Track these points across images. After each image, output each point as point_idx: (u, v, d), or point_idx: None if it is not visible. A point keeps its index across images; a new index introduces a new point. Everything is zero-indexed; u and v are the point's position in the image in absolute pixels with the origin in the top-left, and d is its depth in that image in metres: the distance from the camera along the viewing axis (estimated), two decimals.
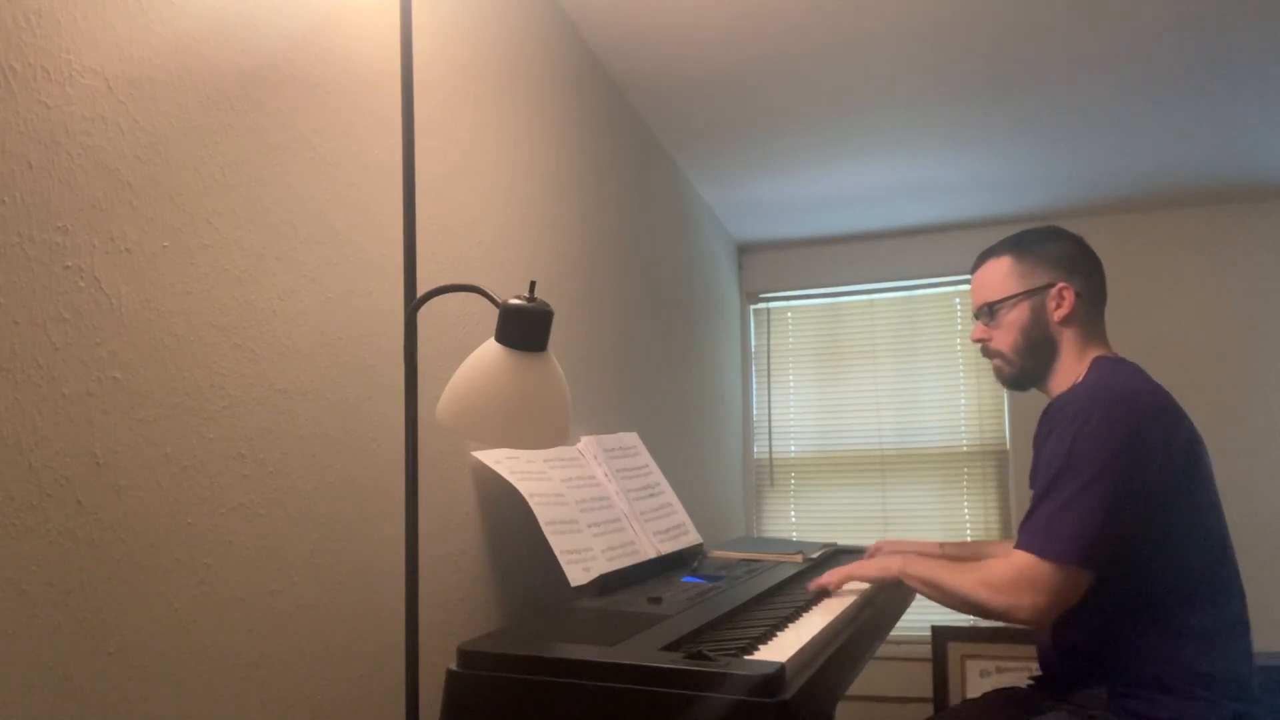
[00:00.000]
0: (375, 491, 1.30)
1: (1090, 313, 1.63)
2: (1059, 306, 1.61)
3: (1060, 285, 1.61)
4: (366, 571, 1.28)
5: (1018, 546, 1.42)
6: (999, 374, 1.70)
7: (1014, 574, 1.40)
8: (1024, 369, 1.65)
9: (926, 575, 1.53)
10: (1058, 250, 1.64)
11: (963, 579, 1.47)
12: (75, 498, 0.87)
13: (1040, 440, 1.52)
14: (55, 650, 0.85)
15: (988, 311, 1.68)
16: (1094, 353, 1.61)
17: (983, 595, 1.43)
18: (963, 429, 3.59)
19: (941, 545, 1.95)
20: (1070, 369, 1.61)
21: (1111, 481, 1.38)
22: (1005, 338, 1.65)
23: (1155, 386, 1.51)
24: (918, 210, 3.42)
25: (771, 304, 3.85)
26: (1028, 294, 1.63)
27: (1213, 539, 1.47)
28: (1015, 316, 1.64)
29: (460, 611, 1.49)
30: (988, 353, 1.71)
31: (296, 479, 1.16)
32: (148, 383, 0.96)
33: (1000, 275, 1.67)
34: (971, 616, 1.58)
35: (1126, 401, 1.44)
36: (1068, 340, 1.61)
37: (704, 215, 3.28)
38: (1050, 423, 1.49)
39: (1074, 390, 1.53)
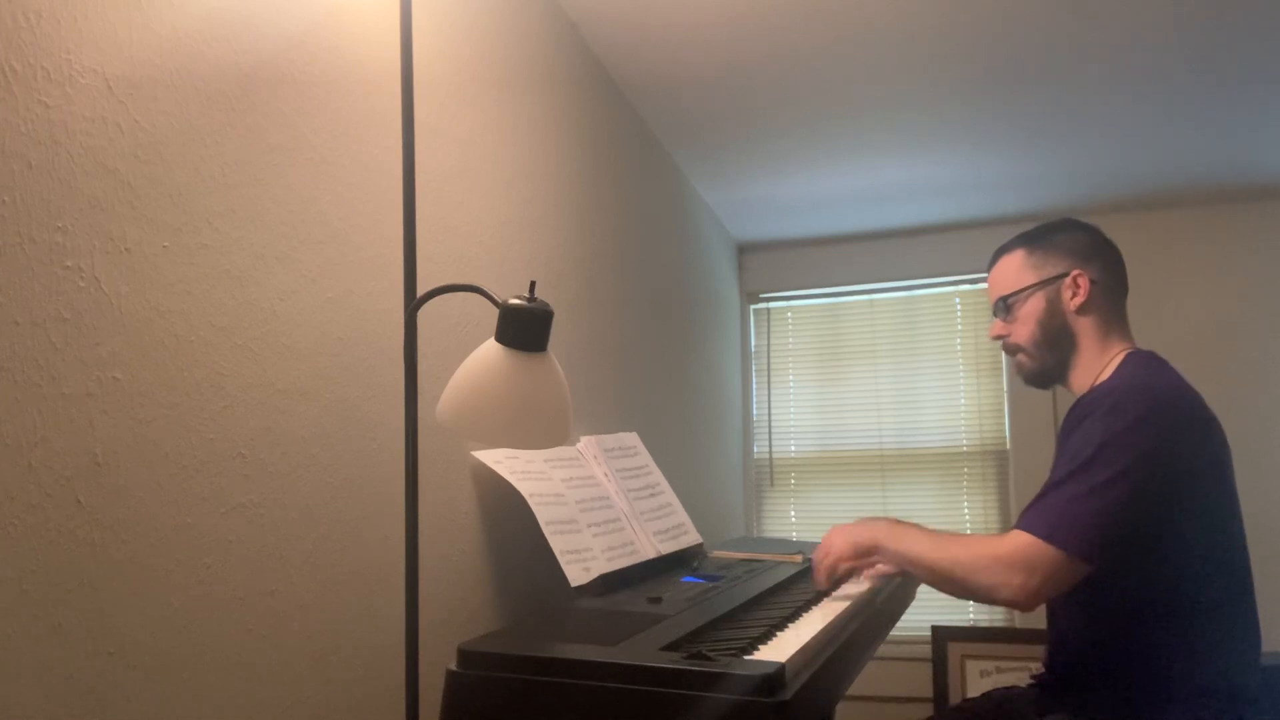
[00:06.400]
0: (375, 491, 1.30)
1: (1108, 301, 1.60)
2: (1075, 295, 1.58)
3: (1075, 273, 1.58)
4: (366, 571, 1.27)
5: (1021, 527, 1.37)
6: (1021, 370, 1.67)
7: (1009, 552, 1.35)
8: (1045, 363, 1.62)
9: (902, 549, 1.48)
10: (1070, 239, 1.62)
11: (941, 554, 1.42)
12: (75, 498, 0.87)
13: (1068, 432, 1.47)
14: (56, 650, 0.85)
15: (1004, 306, 1.65)
16: (1118, 345, 1.58)
17: (963, 570, 1.38)
18: (963, 429, 3.59)
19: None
20: (1092, 361, 1.58)
21: (1136, 481, 1.34)
22: (1023, 331, 1.63)
23: (1190, 388, 1.48)
24: (918, 210, 3.42)
25: (771, 304, 3.84)
26: (1042, 285, 1.61)
27: (1231, 549, 1.44)
28: (1031, 309, 1.61)
29: (460, 611, 1.49)
30: (1008, 348, 1.68)
31: (296, 479, 1.16)
32: (148, 383, 0.96)
33: (1014, 269, 1.65)
34: (948, 594, 1.49)
35: (1164, 402, 1.41)
36: (1086, 330, 1.58)
37: (704, 215, 3.27)
38: (1082, 413, 1.44)
39: (1109, 383, 1.49)
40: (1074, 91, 2.45)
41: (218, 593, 1.03)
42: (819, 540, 1.66)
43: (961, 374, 3.62)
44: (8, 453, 0.81)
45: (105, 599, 0.90)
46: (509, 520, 1.62)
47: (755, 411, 3.81)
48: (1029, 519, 1.38)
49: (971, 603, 3.17)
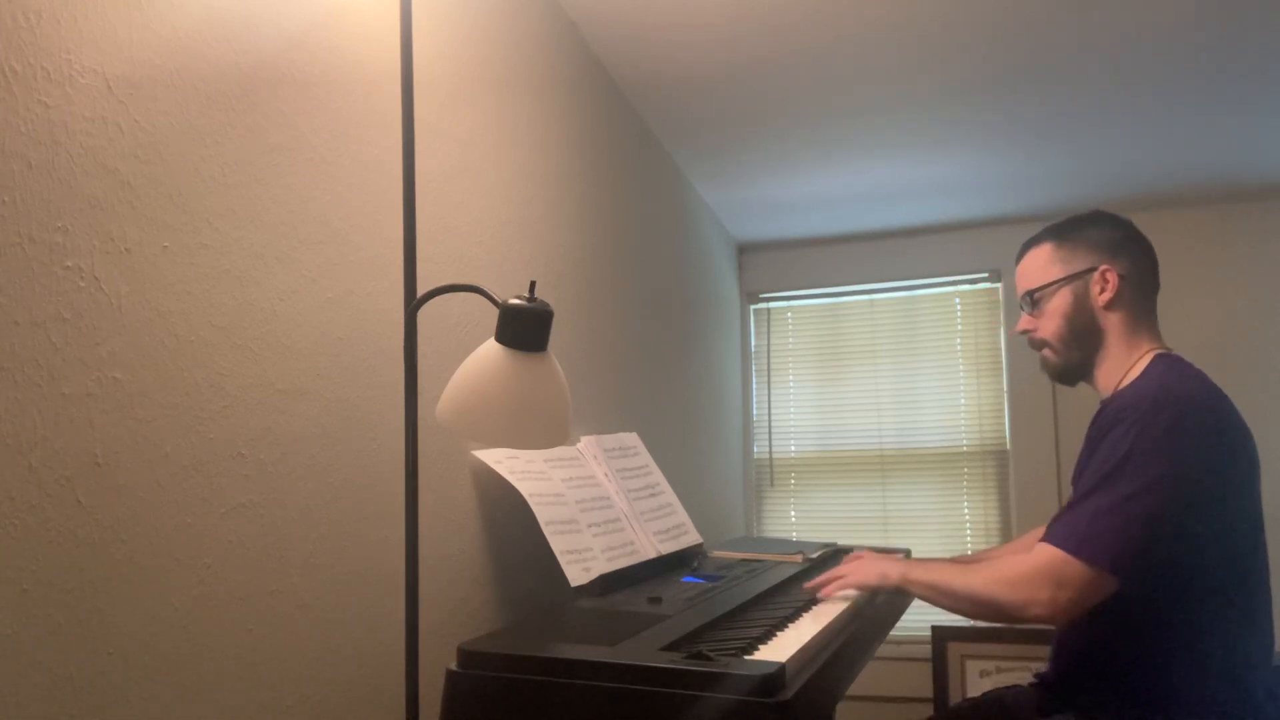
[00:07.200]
0: (375, 491, 1.30)
1: (1138, 298, 1.57)
2: (1103, 290, 1.55)
3: (1103, 268, 1.56)
4: (366, 572, 1.27)
5: (1049, 541, 1.36)
6: (1045, 365, 1.64)
7: (1037, 569, 1.34)
8: (1071, 359, 1.60)
9: (930, 579, 1.48)
10: (1100, 233, 1.59)
11: (972, 578, 1.42)
12: (75, 498, 0.87)
13: (1095, 437, 1.44)
14: (55, 650, 0.85)
15: (1030, 301, 1.63)
16: (1146, 344, 1.55)
17: (995, 590, 1.37)
18: (963, 429, 3.59)
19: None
20: (1119, 359, 1.55)
21: (1165, 494, 1.32)
22: (1049, 326, 1.60)
23: (1223, 395, 1.45)
24: (918, 210, 3.42)
25: (771, 304, 3.84)
26: (1069, 279, 1.58)
27: (1248, 557, 1.42)
28: (1058, 303, 1.59)
29: (460, 611, 1.49)
30: (1034, 343, 1.65)
31: (296, 479, 1.16)
32: (148, 383, 0.96)
33: (1041, 262, 1.62)
34: (979, 621, 1.50)
35: (1195, 412, 1.38)
36: (1114, 326, 1.55)
37: (704, 215, 3.27)
38: (1111, 419, 1.41)
39: (1137, 387, 1.46)
40: (1076, 92, 2.45)
41: (218, 593, 1.03)
42: (819, 540, 1.66)
43: (961, 374, 3.62)
44: (8, 453, 0.81)
45: (105, 599, 0.90)
46: (509, 520, 1.62)
47: (755, 411, 3.81)
48: (1056, 533, 1.37)
49: None
